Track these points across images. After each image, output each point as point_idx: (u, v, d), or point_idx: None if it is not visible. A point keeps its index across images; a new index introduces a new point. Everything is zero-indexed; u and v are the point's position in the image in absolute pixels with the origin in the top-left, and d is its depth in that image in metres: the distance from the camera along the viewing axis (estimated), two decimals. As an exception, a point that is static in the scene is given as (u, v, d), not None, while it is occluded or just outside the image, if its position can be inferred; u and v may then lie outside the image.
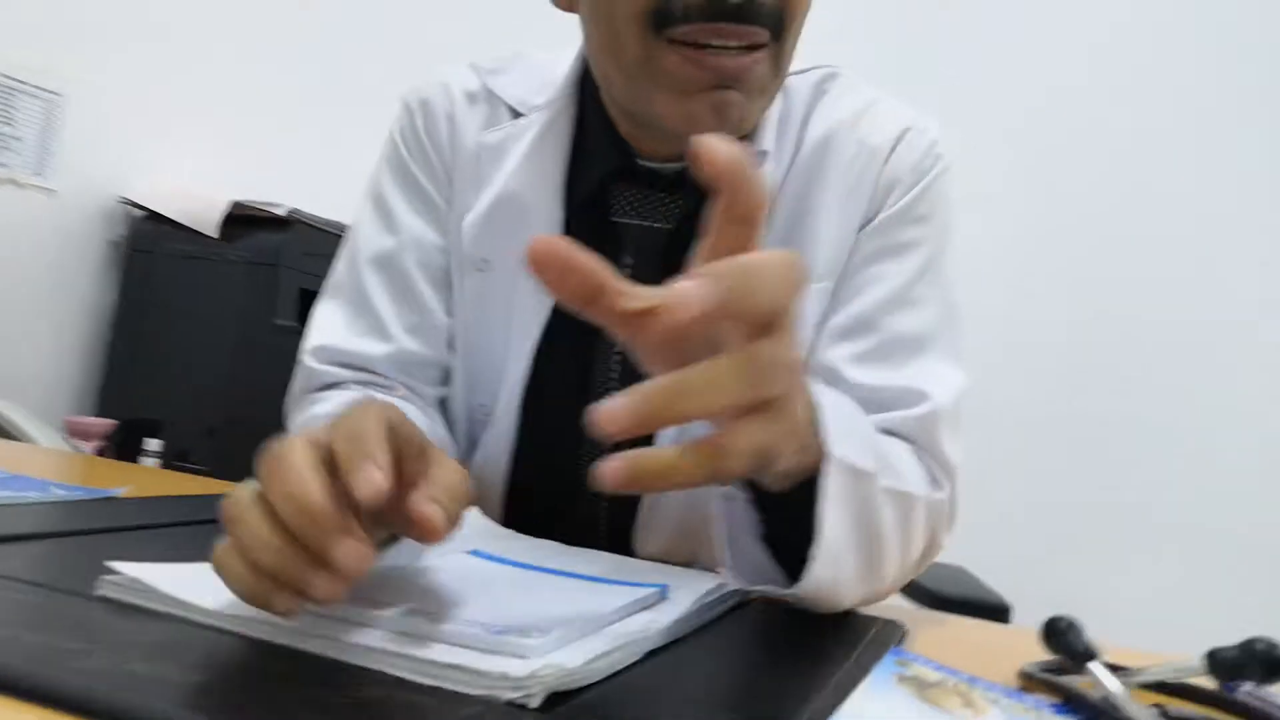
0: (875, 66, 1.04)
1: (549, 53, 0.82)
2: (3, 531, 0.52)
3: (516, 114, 0.79)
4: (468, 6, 2.41)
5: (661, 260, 0.75)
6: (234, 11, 2.20)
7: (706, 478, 0.39)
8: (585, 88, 0.77)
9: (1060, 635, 0.45)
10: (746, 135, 0.72)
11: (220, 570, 0.39)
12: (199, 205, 1.95)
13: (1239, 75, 2.23)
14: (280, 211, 1.90)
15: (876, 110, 0.78)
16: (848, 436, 0.53)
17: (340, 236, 0.85)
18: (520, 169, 0.76)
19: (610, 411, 0.36)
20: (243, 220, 1.93)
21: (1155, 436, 2.21)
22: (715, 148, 0.39)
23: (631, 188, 0.75)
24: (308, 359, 0.79)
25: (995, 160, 2.25)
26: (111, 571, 0.42)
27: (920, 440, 0.68)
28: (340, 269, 0.83)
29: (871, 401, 0.68)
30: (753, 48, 0.64)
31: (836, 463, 0.52)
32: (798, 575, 0.55)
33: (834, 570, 0.55)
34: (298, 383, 0.80)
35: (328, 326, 0.80)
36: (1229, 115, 2.24)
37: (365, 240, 0.81)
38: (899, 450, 0.66)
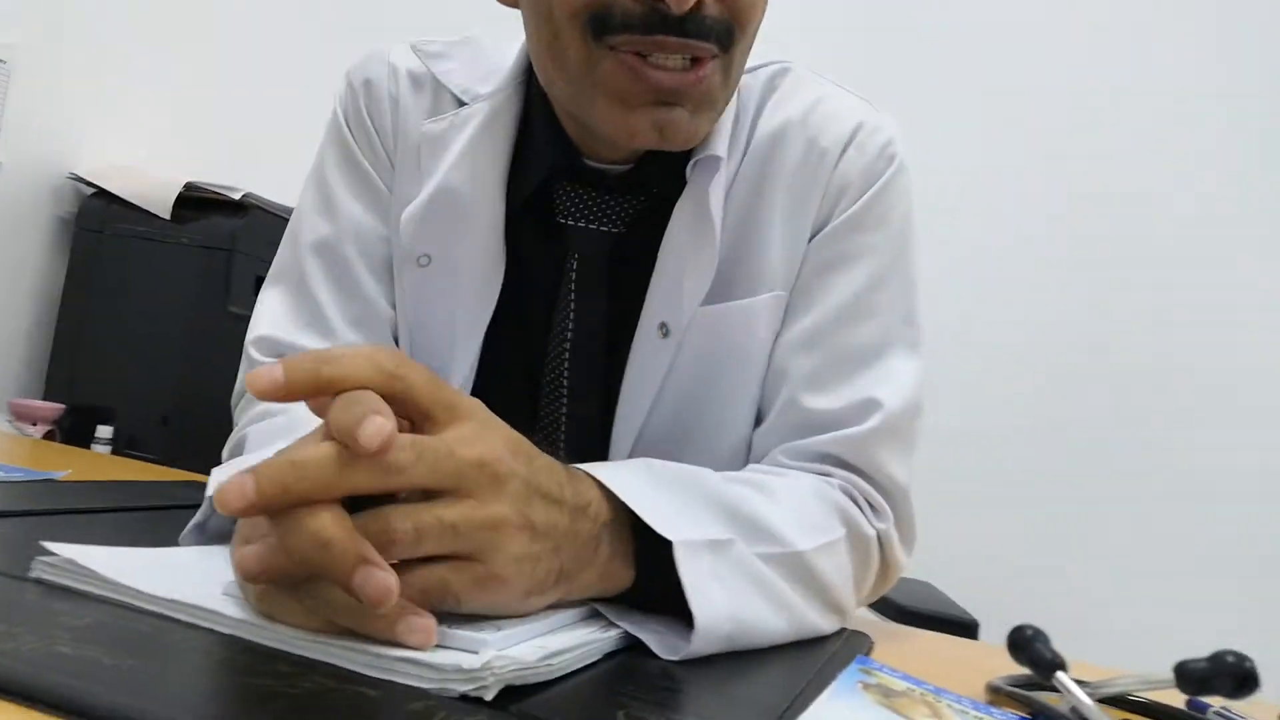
0: (862, 65, 1.04)
1: (499, 42, 0.78)
2: (-69, 508, 0.50)
3: (461, 103, 0.75)
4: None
5: (608, 264, 0.72)
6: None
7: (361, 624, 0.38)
8: (531, 81, 0.73)
9: (1027, 644, 0.44)
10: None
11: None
12: (151, 185, 1.90)
13: (1242, 78, 2.27)
14: (235, 195, 1.86)
15: (826, 107, 0.74)
16: (677, 519, 0.49)
17: (288, 225, 0.82)
18: (461, 162, 0.72)
19: (232, 489, 0.36)
20: (196, 203, 1.88)
21: (1127, 453, 2.23)
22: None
23: (577, 188, 0.72)
24: (251, 350, 0.76)
25: (966, 167, 2.28)
26: (46, 553, 0.40)
27: (859, 463, 0.66)
28: (284, 253, 0.79)
29: (821, 424, 0.67)
30: (698, 61, 0.61)
31: (683, 549, 0.48)
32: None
33: (732, 635, 0.49)
34: (242, 377, 0.77)
35: (270, 315, 0.77)
36: (1229, 114, 2.26)
37: (307, 225, 0.78)
38: (799, 499, 0.61)
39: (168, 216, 1.87)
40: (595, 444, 0.73)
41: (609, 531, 0.47)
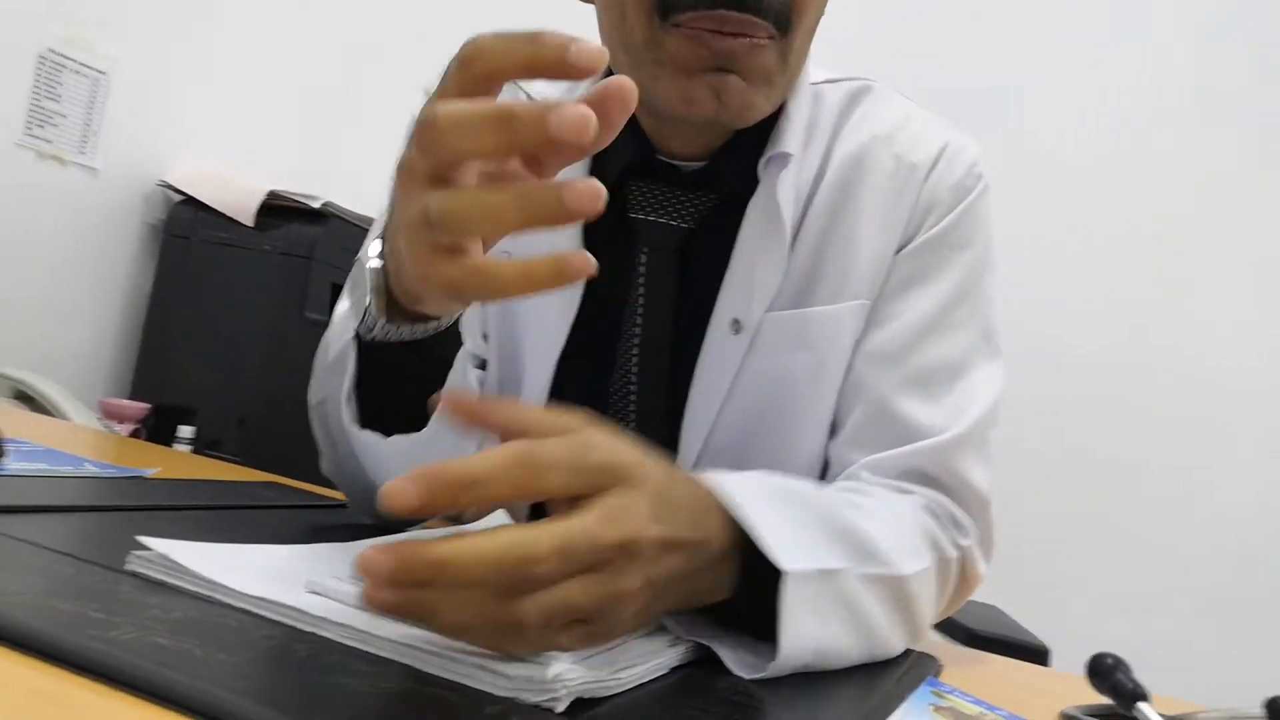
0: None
1: None
2: (39, 502, 0.53)
3: None
4: (513, 10, 2.42)
5: (678, 259, 0.73)
6: (283, 2, 2.22)
7: (494, 649, 0.38)
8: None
9: (1108, 673, 0.43)
10: (762, 130, 0.71)
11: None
12: (236, 193, 1.96)
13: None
14: (315, 204, 1.91)
15: (913, 125, 0.76)
16: (794, 541, 0.49)
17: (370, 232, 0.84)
18: None
19: (397, 491, 0.35)
20: (277, 210, 1.94)
21: (1206, 481, 2.16)
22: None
23: (650, 184, 0.74)
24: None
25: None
26: (141, 547, 0.42)
27: (943, 476, 0.66)
28: (355, 270, 0.81)
29: (904, 436, 0.67)
30: (755, 36, 0.64)
31: (794, 580, 0.47)
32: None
33: (815, 660, 0.49)
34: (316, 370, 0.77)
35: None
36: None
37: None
38: (896, 521, 0.60)
39: (251, 224, 1.93)
40: (663, 443, 0.74)
41: (721, 561, 0.47)
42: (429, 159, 0.42)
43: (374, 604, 0.35)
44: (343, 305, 0.78)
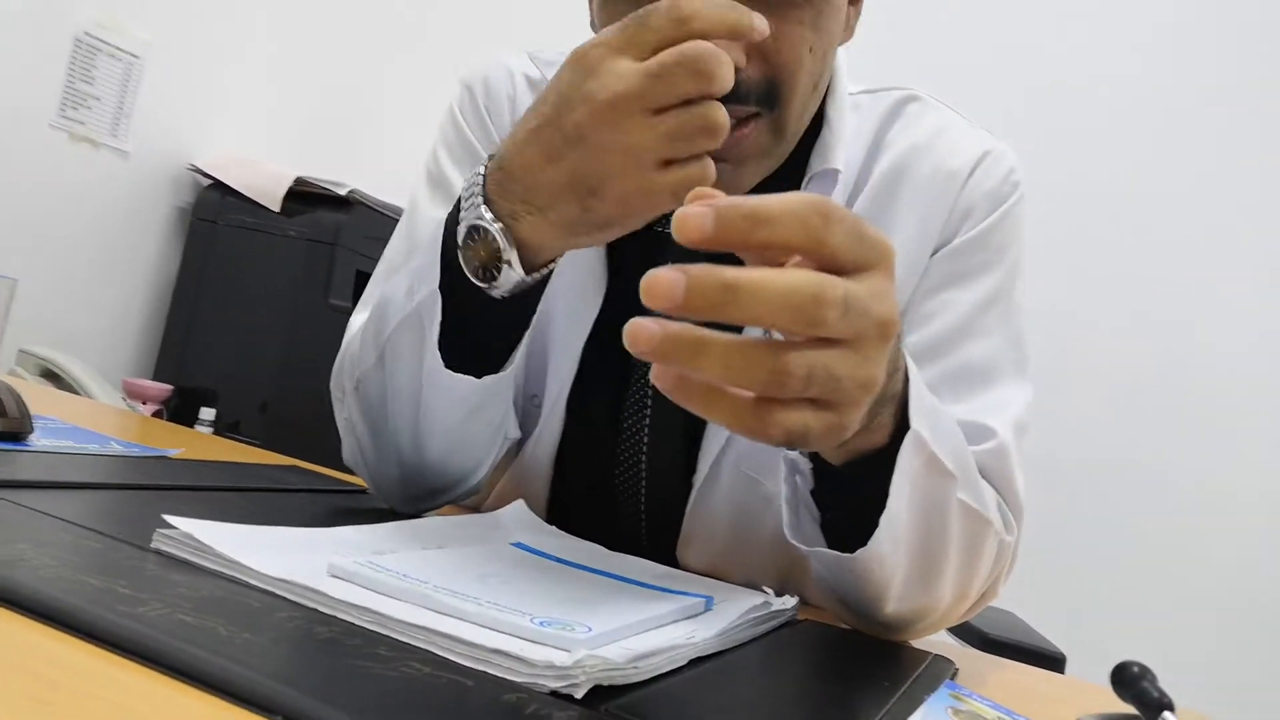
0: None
1: None
2: (66, 479, 0.53)
3: None
4: (541, 8, 2.42)
5: None
6: (315, -9, 2.23)
7: (734, 425, 0.38)
8: None
9: (1133, 681, 0.42)
10: (803, 144, 0.71)
11: None
12: (264, 178, 1.97)
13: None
14: (341, 191, 1.92)
15: (954, 133, 0.77)
16: (934, 427, 0.53)
17: (399, 221, 0.84)
18: None
19: (659, 280, 0.34)
20: (304, 197, 1.95)
21: (1226, 491, 2.13)
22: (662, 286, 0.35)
23: None
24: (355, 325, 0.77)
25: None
26: (167, 525, 0.43)
27: (996, 478, 0.67)
28: (397, 243, 0.82)
29: None
30: (742, 121, 0.64)
31: (915, 439, 0.51)
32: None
33: (892, 549, 0.53)
34: (343, 351, 0.76)
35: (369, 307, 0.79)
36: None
37: (423, 218, 0.80)
38: (984, 481, 0.64)
39: (277, 209, 1.94)
40: (681, 433, 0.74)
41: (891, 403, 0.50)
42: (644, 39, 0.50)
43: (657, 305, 0.34)
44: (375, 291, 0.78)
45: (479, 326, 0.62)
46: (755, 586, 0.67)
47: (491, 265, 0.57)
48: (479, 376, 0.62)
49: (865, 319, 0.38)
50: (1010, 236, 0.75)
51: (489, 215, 0.56)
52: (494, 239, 0.56)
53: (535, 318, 0.78)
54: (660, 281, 0.34)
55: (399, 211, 0.85)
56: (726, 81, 0.50)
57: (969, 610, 0.66)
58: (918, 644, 0.62)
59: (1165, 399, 2.21)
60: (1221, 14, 2.22)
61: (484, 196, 0.57)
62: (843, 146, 0.73)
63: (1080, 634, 1.52)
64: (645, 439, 0.75)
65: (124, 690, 0.29)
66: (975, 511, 0.58)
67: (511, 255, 0.57)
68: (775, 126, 0.67)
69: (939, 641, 0.64)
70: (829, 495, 0.57)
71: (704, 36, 0.49)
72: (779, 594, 0.59)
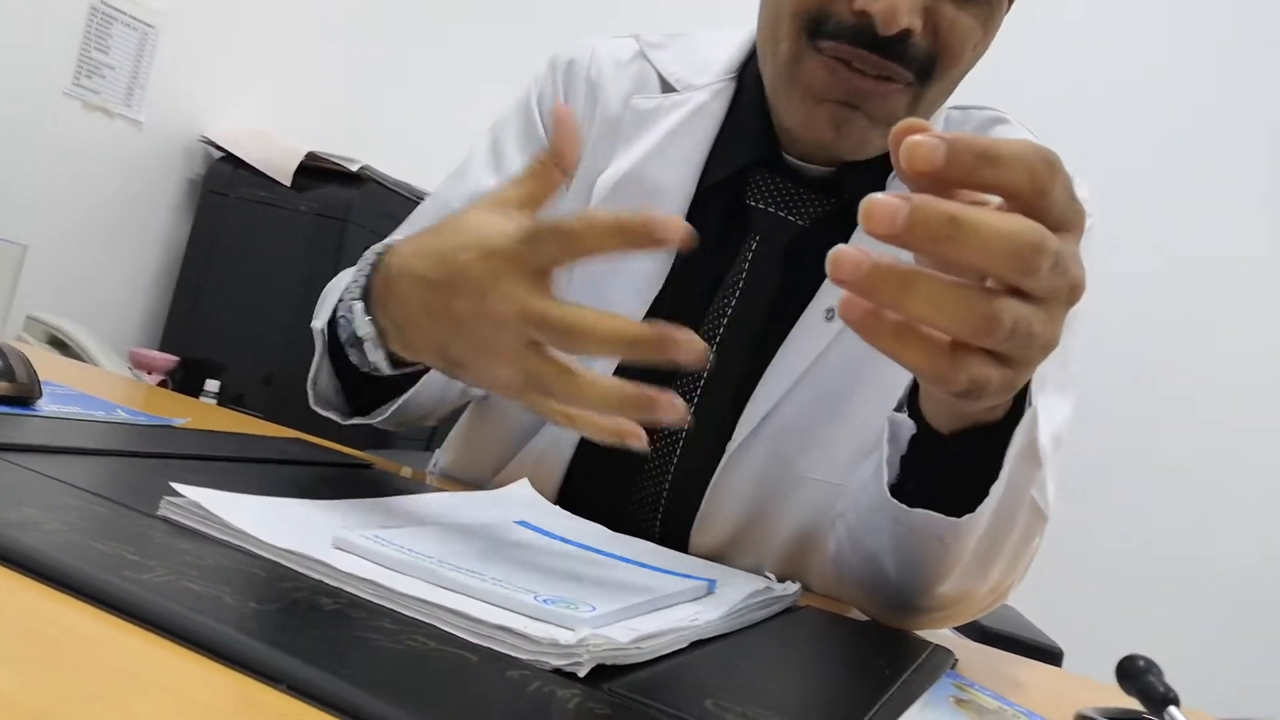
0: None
1: (712, 33, 0.83)
2: (74, 445, 0.53)
3: (669, 88, 0.80)
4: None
5: (785, 252, 0.74)
6: (331, -33, 2.22)
7: (923, 366, 0.38)
8: (746, 72, 0.78)
9: (1138, 675, 0.42)
10: (871, 161, 0.73)
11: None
12: (275, 152, 1.97)
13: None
14: (353, 167, 1.92)
15: None
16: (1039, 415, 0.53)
17: (410, 200, 0.86)
18: (663, 144, 0.77)
19: (883, 204, 0.34)
20: (315, 172, 1.95)
21: (1228, 489, 2.13)
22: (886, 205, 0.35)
23: (773, 176, 0.76)
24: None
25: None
26: (174, 493, 0.43)
27: None
28: (436, 192, 0.84)
29: None
30: (891, 80, 0.66)
31: (1031, 418, 0.51)
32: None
33: (983, 523, 0.53)
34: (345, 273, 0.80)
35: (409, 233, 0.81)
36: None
37: (470, 175, 0.82)
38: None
39: (288, 184, 1.94)
40: (727, 408, 0.75)
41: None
42: (546, 257, 0.47)
43: (874, 229, 0.34)
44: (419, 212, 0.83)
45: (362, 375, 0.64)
46: (757, 572, 0.67)
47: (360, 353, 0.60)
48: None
49: (1064, 278, 0.38)
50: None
51: (364, 321, 0.58)
52: (365, 338, 0.58)
53: (578, 285, 0.77)
54: (883, 205, 0.34)
55: (410, 189, 0.86)
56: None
57: (988, 606, 0.66)
58: (918, 635, 0.62)
59: (1169, 395, 2.20)
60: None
61: (365, 293, 0.58)
62: None
63: (1077, 630, 1.53)
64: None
65: (130, 655, 0.29)
66: (1039, 506, 0.59)
67: (378, 359, 0.59)
68: (913, 99, 0.68)
69: (937, 633, 0.64)
70: (916, 465, 0.56)
71: (593, 252, 0.47)
72: (780, 580, 0.59)
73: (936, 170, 0.35)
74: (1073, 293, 0.39)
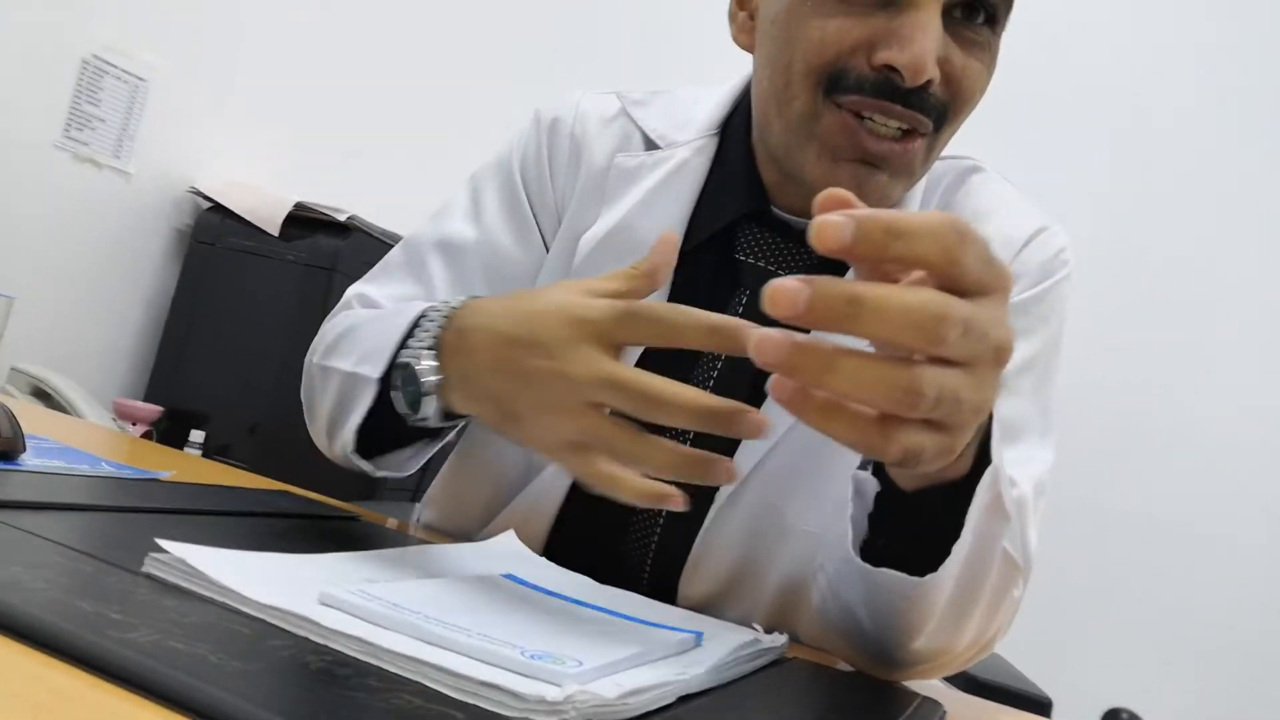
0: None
1: (693, 89, 0.84)
2: (57, 500, 0.53)
3: (652, 145, 0.80)
4: (539, 40, 2.45)
5: None
6: (316, 18, 2.26)
7: (854, 440, 0.39)
8: (730, 127, 0.79)
9: (1119, 728, 0.42)
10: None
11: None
12: (264, 202, 1.99)
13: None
14: (340, 217, 1.93)
15: (1012, 207, 0.79)
16: (1003, 470, 0.52)
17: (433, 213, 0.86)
18: (647, 200, 0.77)
19: (784, 289, 0.35)
20: (303, 221, 1.96)
21: (1212, 535, 2.13)
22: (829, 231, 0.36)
23: (762, 230, 0.76)
24: (353, 301, 0.81)
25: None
26: (159, 550, 0.43)
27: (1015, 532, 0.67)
28: (412, 236, 0.85)
29: None
30: (911, 134, 0.66)
31: (992, 475, 0.50)
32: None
33: (949, 580, 0.53)
34: (328, 323, 0.80)
35: (382, 278, 0.82)
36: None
37: (448, 222, 0.83)
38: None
39: (276, 234, 1.95)
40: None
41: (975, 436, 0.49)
42: (632, 336, 0.51)
43: (778, 313, 0.34)
44: (382, 271, 0.85)
45: (399, 425, 0.65)
46: (745, 623, 0.66)
47: (416, 403, 0.61)
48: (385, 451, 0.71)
49: (984, 342, 0.38)
50: (1054, 309, 0.76)
51: (432, 369, 0.60)
52: (428, 390, 0.60)
53: None
54: (784, 290, 0.35)
55: (397, 238, 0.87)
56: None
57: (972, 658, 0.66)
58: (906, 686, 0.62)
59: (1151, 442, 2.21)
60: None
61: (437, 344, 0.60)
62: (917, 202, 0.76)
63: (1066, 678, 1.52)
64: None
65: (114, 717, 0.29)
66: (1012, 558, 0.59)
67: (432, 409, 0.61)
68: (929, 146, 0.69)
69: (926, 684, 0.64)
70: (883, 521, 0.57)
71: (680, 344, 0.50)
72: (768, 632, 0.58)
73: (846, 249, 0.35)
74: (998, 354, 0.39)
